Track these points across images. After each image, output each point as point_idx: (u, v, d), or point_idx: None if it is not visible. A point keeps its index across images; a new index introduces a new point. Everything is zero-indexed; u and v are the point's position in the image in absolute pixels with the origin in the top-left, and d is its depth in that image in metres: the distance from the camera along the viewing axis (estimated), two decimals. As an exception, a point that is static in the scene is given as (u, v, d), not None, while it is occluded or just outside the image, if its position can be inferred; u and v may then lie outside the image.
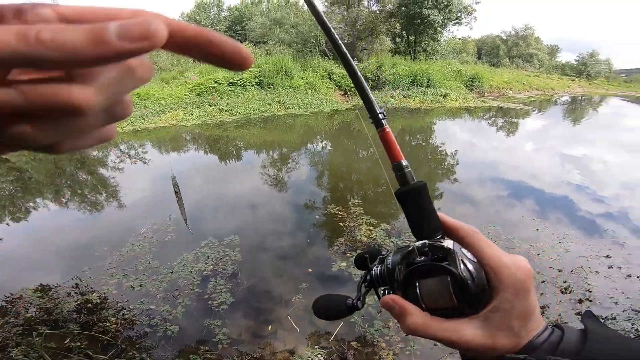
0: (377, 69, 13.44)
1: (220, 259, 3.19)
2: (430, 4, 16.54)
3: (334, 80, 13.27)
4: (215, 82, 10.98)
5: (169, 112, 8.86)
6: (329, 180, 5.61)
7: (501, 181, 6.14)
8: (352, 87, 12.83)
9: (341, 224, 3.96)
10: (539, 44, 36.57)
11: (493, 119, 12.33)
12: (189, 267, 3.03)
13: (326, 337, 2.45)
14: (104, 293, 2.78)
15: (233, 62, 0.18)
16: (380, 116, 0.41)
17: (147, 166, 6.14)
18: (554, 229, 4.32)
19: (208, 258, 3.17)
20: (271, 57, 12.78)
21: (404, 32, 19.11)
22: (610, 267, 3.53)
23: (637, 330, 2.65)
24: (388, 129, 0.41)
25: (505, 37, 36.02)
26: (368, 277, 0.40)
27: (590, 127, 13.68)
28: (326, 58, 14.57)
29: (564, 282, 3.18)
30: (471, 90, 16.62)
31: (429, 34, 18.70)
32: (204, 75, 11.73)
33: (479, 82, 17.23)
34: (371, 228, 3.84)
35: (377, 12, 17.36)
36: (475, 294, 0.30)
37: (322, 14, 0.44)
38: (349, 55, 0.43)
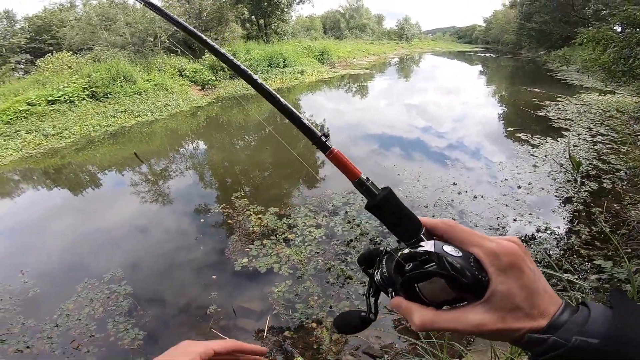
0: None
1: (108, 297, 2.75)
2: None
3: (187, 77, 12.09)
4: (28, 103, 8.53)
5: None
6: (212, 180, 5.16)
7: (369, 137, 6.84)
8: (209, 80, 11.98)
9: (230, 221, 3.71)
10: (369, 15, 41.76)
11: (347, 85, 13.56)
12: (75, 316, 2.59)
13: (259, 335, 2.35)
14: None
15: None
16: (324, 139, 0.40)
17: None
18: (411, 169, 4.96)
19: (92, 301, 2.72)
20: (102, 64, 10.61)
21: (253, 16, 18.86)
22: (459, 193, 4.23)
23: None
24: (336, 149, 0.39)
25: (343, 11, 39.84)
26: (373, 286, 0.39)
27: (418, 79, 16.64)
28: (172, 55, 13.05)
29: (433, 216, 3.68)
30: (323, 63, 17.82)
31: (277, 15, 19.07)
32: (8, 97, 8.96)
33: (328, 55, 18.62)
34: (260, 216, 3.72)
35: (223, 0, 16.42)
36: (469, 284, 0.31)
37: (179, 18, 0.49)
38: (265, 86, 0.45)
